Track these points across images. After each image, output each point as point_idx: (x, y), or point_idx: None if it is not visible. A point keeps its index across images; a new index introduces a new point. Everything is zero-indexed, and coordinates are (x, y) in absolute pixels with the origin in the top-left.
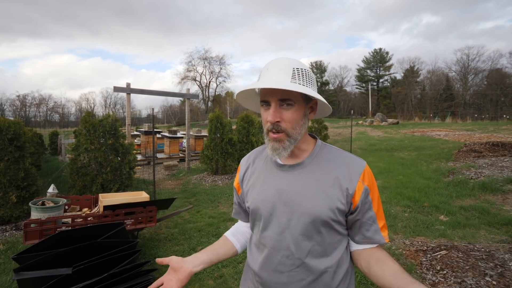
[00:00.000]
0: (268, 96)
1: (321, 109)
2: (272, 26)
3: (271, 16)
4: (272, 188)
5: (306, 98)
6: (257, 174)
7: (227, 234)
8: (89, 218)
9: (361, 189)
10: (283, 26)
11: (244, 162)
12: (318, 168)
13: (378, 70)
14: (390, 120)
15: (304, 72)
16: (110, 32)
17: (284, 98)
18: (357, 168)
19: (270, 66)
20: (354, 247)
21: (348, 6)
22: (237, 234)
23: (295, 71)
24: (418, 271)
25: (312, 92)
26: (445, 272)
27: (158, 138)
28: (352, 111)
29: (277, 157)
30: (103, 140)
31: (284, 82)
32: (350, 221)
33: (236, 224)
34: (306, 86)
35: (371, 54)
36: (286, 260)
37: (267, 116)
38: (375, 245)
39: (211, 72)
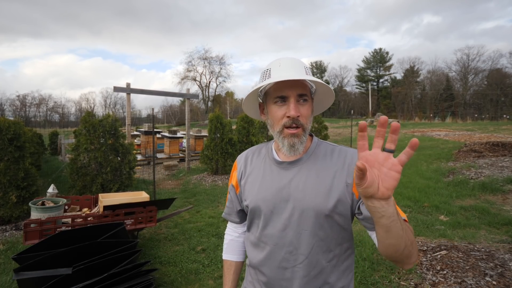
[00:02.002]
0: (287, 91)
1: (317, 107)
2: (273, 26)
3: (272, 16)
4: (272, 186)
5: (311, 95)
6: (255, 172)
7: (225, 256)
8: (89, 218)
9: None
10: (284, 26)
11: (241, 160)
12: (316, 163)
13: (378, 70)
14: (390, 120)
15: (310, 70)
16: (111, 32)
17: (303, 93)
18: (353, 158)
19: (282, 63)
20: (373, 236)
21: (349, 6)
22: (231, 249)
23: (305, 68)
24: (418, 271)
25: (327, 85)
26: (445, 272)
27: (158, 138)
28: (352, 111)
29: (293, 153)
30: (103, 140)
31: (304, 76)
32: (359, 211)
33: (225, 237)
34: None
35: (371, 54)
36: (289, 256)
37: (284, 111)
38: None
39: (211, 72)
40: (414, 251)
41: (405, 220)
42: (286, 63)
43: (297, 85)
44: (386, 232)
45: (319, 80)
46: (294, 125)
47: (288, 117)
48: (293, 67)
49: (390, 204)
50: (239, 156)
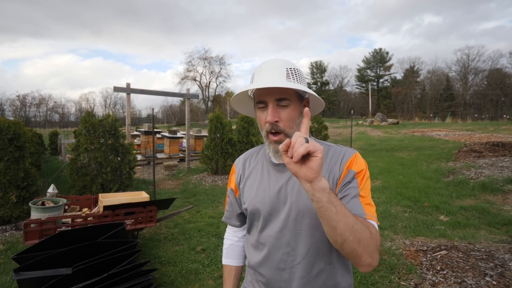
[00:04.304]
0: (265, 97)
1: (313, 107)
2: (274, 27)
3: (273, 16)
4: (270, 188)
5: (300, 97)
6: (253, 175)
7: (225, 261)
8: (89, 218)
9: (345, 172)
10: (285, 26)
11: (239, 163)
12: None
13: (378, 70)
14: (390, 120)
15: (296, 71)
16: (112, 32)
17: (281, 97)
18: (345, 157)
19: (263, 67)
20: None
21: (351, 7)
22: (231, 254)
23: (288, 70)
24: (418, 271)
25: (308, 89)
26: (445, 272)
27: (158, 138)
28: (352, 111)
29: (279, 159)
30: (103, 140)
31: (280, 81)
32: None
33: (225, 242)
34: (301, 84)
35: (371, 54)
36: (287, 257)
37: (265, 116)
38: None
39: (211, 72)
40: (362, 251)
41: (368, 219)
42: (267, 67)
43: (275, 90)
44: (320, 218)
45: (296, 86)
46: (273, 130)
47: (267, 122)
48: (274, 71)
49: (316, 189)
50: (237, 159)
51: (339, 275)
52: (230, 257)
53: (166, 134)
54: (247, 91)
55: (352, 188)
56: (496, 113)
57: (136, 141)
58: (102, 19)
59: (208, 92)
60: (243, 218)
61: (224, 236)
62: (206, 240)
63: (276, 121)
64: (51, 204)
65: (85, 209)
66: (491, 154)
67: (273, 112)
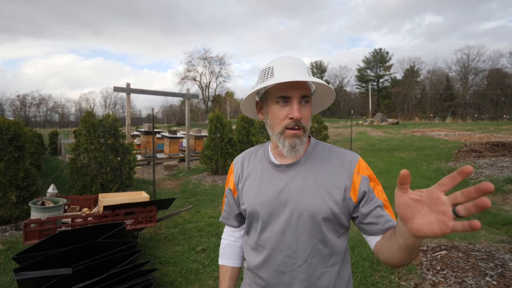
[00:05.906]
0: (291, 92)
1: (315, 106)
2: (275, 27)
3: (273, 16)
4: (270, 189)
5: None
6: (252, 176)
7: (221, 262)
8: (89, 218)
9: (358, 180)
10: (285, 26)
11: (237, 163)
12: (314, 165)
13: (378, 70)
14: (390, 120)
15: (310, 70)
16: (112, 32)
17: (305, 94)
18: (351, 162)
19: (285, 62)
20: (372, 240)
21: (351, 7)
22: (227, 254)
23: (308, 69)
24: (418, 271)
25: (331, 87)
26: (445, 272)
27: (158, 138)
28: (352, 111)
29: (294, 154)
30: (103, 140)
31: (308, 78)
32: (358, 216)
33: (222, 242)
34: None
35: (371, 54)
36: (288, 260)
37: (287, 112)
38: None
39: (211, 72)
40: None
41: None
42: (289, 62)
43: (301, 86)
44: (409, 252)
45: (324, 82)
46: (296, 126)
47: (291, 118)
48: (296, 67)
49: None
50: (235, 159)
51: (341, 276)
52: (226, 257)
53: (166, 134)
54: (259, 88)
55: (374, 199)
56: (496, 113)
57: (136, 141)
58: (103, 19)
59: (208, 92)
60: (241, 219)
61: (222, 236)
62: (206, 240)
63: (300, 118)
64: (51, 204)
65: (85, 209)
66: (491, 154)
67: (299, 108)
